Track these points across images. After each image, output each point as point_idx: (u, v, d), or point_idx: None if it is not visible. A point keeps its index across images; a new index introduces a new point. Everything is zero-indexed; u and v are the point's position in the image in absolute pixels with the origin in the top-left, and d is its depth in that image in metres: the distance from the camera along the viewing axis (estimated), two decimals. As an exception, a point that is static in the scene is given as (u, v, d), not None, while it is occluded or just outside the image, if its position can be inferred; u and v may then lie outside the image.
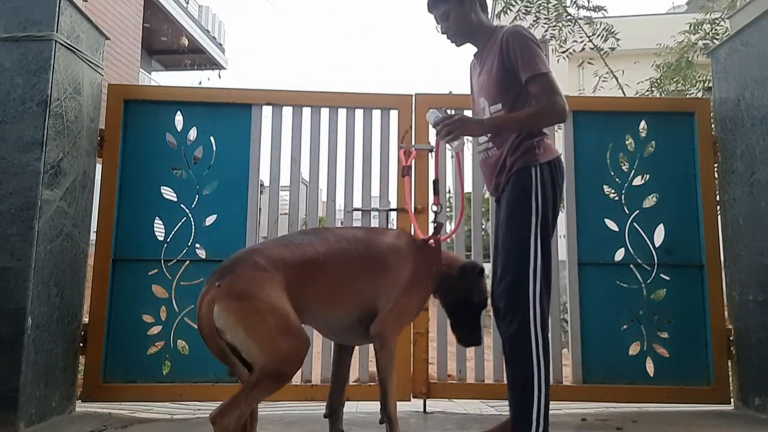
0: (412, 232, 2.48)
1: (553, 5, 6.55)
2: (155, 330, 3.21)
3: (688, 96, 6.35)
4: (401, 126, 3.43)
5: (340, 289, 2.11)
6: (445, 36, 2.42)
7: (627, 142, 3.46)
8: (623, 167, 3.44)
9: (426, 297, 2.33)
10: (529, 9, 6.62)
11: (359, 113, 3.46)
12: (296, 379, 2.92)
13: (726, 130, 3.32)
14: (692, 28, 6.40)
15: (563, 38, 6.69)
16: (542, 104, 2.17)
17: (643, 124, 3.49)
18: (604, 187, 3.43)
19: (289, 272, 1.96)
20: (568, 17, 6.59)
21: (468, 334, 2.38)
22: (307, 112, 3.44)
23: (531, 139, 2.27)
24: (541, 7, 6.59)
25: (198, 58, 15.94)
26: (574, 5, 6.53)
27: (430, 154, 3.42)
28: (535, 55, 2.19)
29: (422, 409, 3.16)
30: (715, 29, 6.20)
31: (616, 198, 3.40)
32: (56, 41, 2.73)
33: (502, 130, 2.29)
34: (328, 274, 2.08)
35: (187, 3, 15.49)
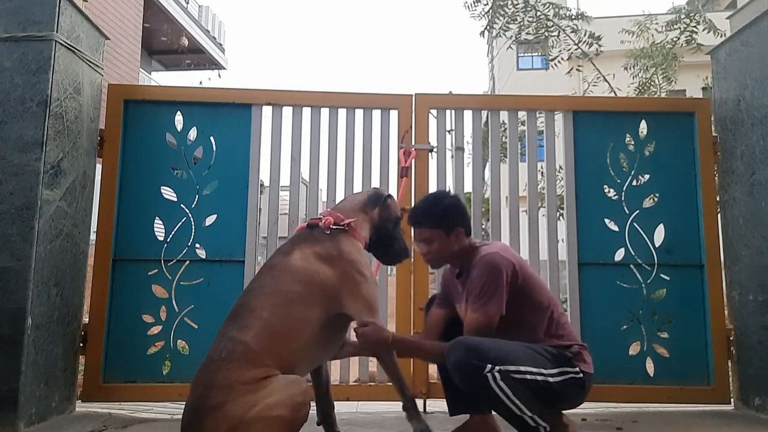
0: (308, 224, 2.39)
1: (537, 18, 6.58)
2: (155, 330, 3.21)
3: (663, 86, 6.40)
4: (401, 126, 3.43)
5: (301, 331, 2.07)
6: (423, 256, 2.42)
7: (627, 142, 3.46)
8: (623, 167, 3.44)
9: (365, 267, 2.27)
10: (508, 27, 6.66)
11: (359, 113, 3.46)
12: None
13: (726, 130, 3.32)
14: (669, 25, 6.44)
15: (549, 46, 6.72)
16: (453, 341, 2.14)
17: (643, 124, 3.49)
18: (604, 187, 3.43)
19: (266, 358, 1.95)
20: (553, 27, 6.61)
21: (397, 250, 2.45)
22: (307, 112, 3.44)
23: None
24: (524, 21, 6.63)
25: (198, 58, 15.96)
26: (557, 16, 6.56)
27: (430, 154, 3.43)
28: (485, 292, 2.14)
29: (422, 409, 3.16)
30: (695, 20, 6.24)
31: (616, 198, 3.40)
32: (56, 41, 2.73)
33: (405, 354, 2.32)
34: (287, 332, 2.04)
35: (187, 3, 15.50)
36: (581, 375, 2.18)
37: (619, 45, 6.72)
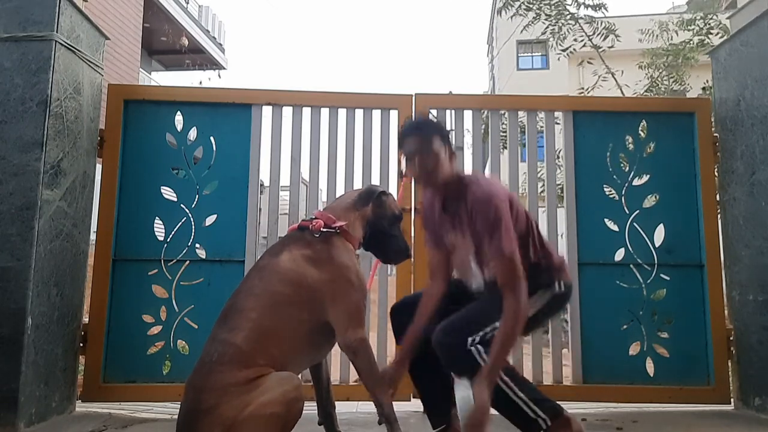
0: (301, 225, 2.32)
1: (555, 3, 6.57)
2: (155, 330, 3.21)
3: (687, 93, 6.40)
4: (401, 126, 3.42)
5: (291, 332, 2.05)
6: (414, 177, 2.25)
7: (627, 142, 3.46)
8: (623, 167, 3.44)
9: (354, 274, 2.22)
10: (530, 6, 6.64)
11: (359, 113, 3.46)
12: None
13: (726, 130, 3.32)
14: (684, 24, 6.43)
15: (563, 36, 6.71)
16: (508, 305, 1.96)
17: (643, 124, 3.49)
18: (604, 187, 3.43)
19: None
20: (569, 16, 6.61)
21: (395, 249, 2.39)
22: (307, 112, 3.44)
23: None
24: (542, 5, 6.61)
25: (198, 58, 15.95)
26: (575, 3, 6.55)
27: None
28: (499, 230, 1.97)
29: (422, 409, 3.16)
30: (708, 24, 6.23)
31: (616, 198, 3.40)
32: (56, 41, 2.73)
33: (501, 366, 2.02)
34: (277, 332, 2.03)
35: (187, 3, 15.50)
36: (562, 289, 2.13)
37: (624, 44, 6.72)
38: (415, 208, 3.30)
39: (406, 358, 2.24)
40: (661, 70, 6.67)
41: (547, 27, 6.74)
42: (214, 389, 1.83)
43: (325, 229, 2.24)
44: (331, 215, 2.31)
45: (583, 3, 6.55)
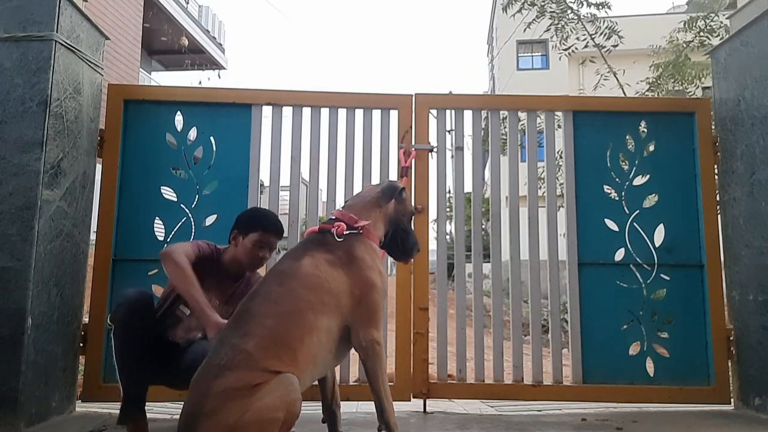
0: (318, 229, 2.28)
1: (558, 0, 6.60)
2: (155, 330, 3.20)
3: (687, 94, 6.40)
4: (401, 126, 3.43)
5: (310, 340, 2.00)
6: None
7: (627, 142, 3.46)
8: (623, 167, 3.44)
9: (377, 274, 2.19)
10: (534, 1, 6.67)
11: (359, 113, 3.46)
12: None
13: (726, 130, 3.32)
14: (686, 25, 6.44)
15: (566, 35, 6.72)
16: None
17: (643, 124, 3.49)
18: (604, 187, 3.43)
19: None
20: (572, 14, 6.63)
21: (411, 245, 2.40)
22: (307, 112, 3.44)
23: None
24: (546, 1, 6.64)
25: (198, 58, 15.97)
26: (579, 2, 6.57)
27: (430, 154, 3.43)
28: None
29: (422, 409, 3.16)
30: (710, 25, 6.23)
31: (616, 198, 3.40)
32: (56, 41, 2.73)
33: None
34: (298, 340, 1.98)
35: (187, 3, 15.50)
36: None
37: (625, 44, 6.73)
38: (415, 208, 3.30)
39: None
40: (662, 70, 6.67)
41: (550, 25, 6.75)
42: (217, 394, 1.81)
43: (347, 231, 2.19)
44: (352, 215, 2.27)
45: (587, 1, 6.56)
